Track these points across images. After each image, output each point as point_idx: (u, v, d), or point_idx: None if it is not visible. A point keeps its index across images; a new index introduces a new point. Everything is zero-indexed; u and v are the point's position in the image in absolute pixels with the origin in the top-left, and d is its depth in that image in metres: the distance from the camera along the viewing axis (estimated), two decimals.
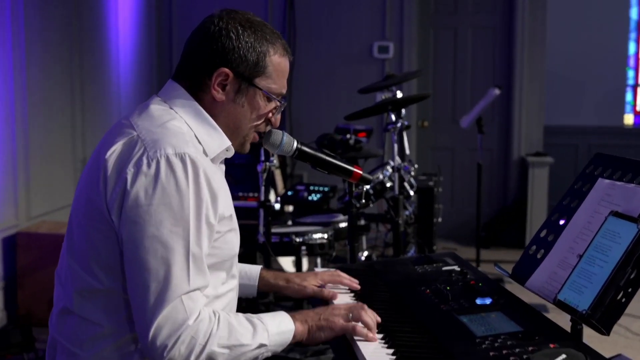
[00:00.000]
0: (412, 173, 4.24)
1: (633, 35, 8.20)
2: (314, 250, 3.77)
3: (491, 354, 1.65)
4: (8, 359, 4.10)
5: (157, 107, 1.87)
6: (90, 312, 1.79)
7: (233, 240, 1.93)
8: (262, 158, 3.61)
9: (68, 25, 5.52)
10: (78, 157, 5.65)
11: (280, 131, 2.09)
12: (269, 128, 2.03)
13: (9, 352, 4.10)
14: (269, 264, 3.72)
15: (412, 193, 4.17)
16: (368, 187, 3.90)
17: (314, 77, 7.34)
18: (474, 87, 7.46)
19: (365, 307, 1.90)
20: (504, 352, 1.66)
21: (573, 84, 8.05)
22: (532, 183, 7.03)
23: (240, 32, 1.87)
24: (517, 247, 6.95)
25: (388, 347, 1.78)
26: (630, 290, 1.69)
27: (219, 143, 1.89)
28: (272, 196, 3.86)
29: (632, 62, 8.26)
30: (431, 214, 4.86)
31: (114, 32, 6.25)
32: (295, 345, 1.86)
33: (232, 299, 1.99)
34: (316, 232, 3.81)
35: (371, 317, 1.86)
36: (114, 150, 1.77)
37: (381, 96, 4.51)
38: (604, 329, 1.68)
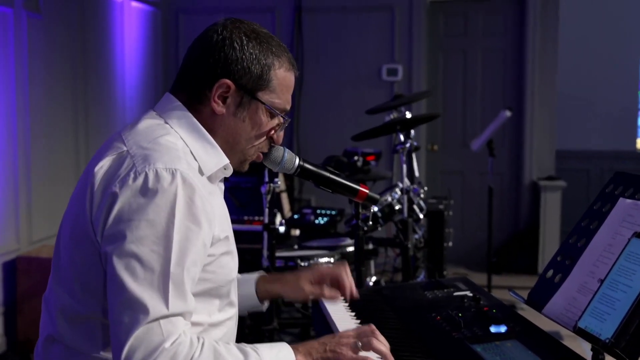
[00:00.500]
0: (422, 195, 4.14)
1: None
2: None
3: None
4: None
5: (150, 122, 1.77)
6: (75, 339, 1.68)
7: (229, 265, 1.80)
8: (266, 179, 3.51)
9: (72, 47, 5.47)
10: None
11: (282, 147, 1.96)
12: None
13: None
14: None
15: (421, 216, 4.06)
16: (376, 209, 3.78)
17: (322, 100, 7.27)
18: (484, 110, 7.37)
19: (375, 330, 1.74)
20: None
21: (584, 107, 7.96)
22: (544, 207, 6.93)
23: (245, 42, 1.76)
24: (530, 273, 6.85)
25: None
26: None
27: (216, 161, 1.78)
28: (277, 219, 3.74)
29: None
30: (441, 238, 4.73)
31: (120, 53, 6.19)
32: None
33: (231, 328, 1.87)
34: (322, 256, 3.70)
35: (384, 343, 1.71)
36: (102, 166, 1.67)
37: (389, 117, 4.42)
38: (629, 358, 1.56)
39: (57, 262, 1.74)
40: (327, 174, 2.10)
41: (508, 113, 5.91)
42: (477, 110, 7.44)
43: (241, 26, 1.79)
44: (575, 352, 1.73)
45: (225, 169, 1.81)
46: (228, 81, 1.75)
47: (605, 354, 1.64)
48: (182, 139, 1.74)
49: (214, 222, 1.69)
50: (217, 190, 1.84)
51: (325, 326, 2.08)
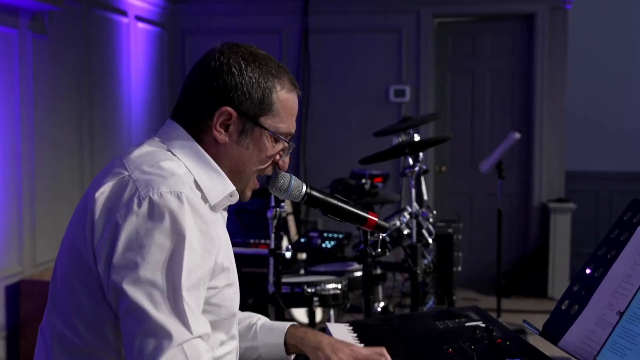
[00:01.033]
0: (431, 219, 4.07)
1: None
2: (326, 301, 3.57)
3: None
4: None
5: (152, 148, 1.71)
6: None
7: (232, 297, 1.75)
8: (273, 204, 3.45)
9: (78, 68, 5.44)
10: None
11: (288, 174, 1.90)
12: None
13: None
14: (281, 315, 3.54)
15: (430, 241, 3.99)
16: (384, 234, 3.71)
17: (329, 121, 7.23)
18: (492, 132, 7.32)
19: (386, 355, 1.72)
20: None
21: (593, 128, 7.89)
22: (554, 230, 6.86)
23: (244, 66, 1.71)
24: (539, 297, 6.78)
25: None
26: None
27: (222, 188, 1.72)
28: (284, 243, 3.68)
29: None
30: (450, 262, 4.65)
31: (126, 74, 6.16)
32: None
33: None
34: (329, 282, 3.62)
35: None
36: (103, 192, 1.61)
37: (397, 139, 4.36)
38: None
39: (54, 289, 1.69)
40: (336, 202, 2.03)
41: (517, 135, 5.87)
42: (486, 132, 7.39)
43: (238, 50, 1.74)
44: None
45: (231, 196, 1.75)
46: (229, 109, 1.70)
47: None
48: (185, 166, 1.68)
49: (219, 249, 1.65)
50: (220, 220, 1.78)
51: None
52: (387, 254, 4.02)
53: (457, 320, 2.21)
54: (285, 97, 1.76)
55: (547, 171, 7.17)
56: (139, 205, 1.54)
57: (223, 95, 1.69)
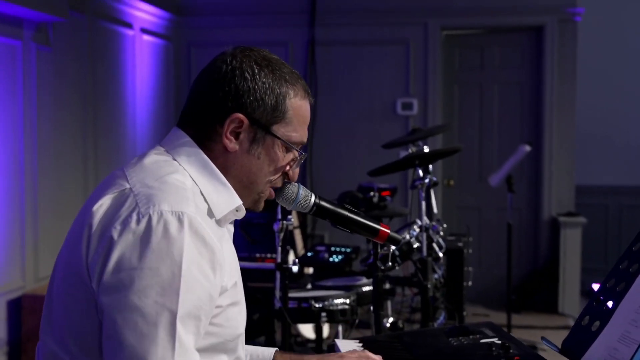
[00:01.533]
0: (441, 233, 3.99)
1: None
2: (334, 316, 3.48)
3: None
4: None
5: (157, 158, 1.62)
6: None
7: (237, 317, 1.64)
8: (279, 216, 3.37)
9: (82, 80, 5.39)
10: None
11: (296, 184, 1.81)
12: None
13: None
14: (288, 331, 3.45)
15: (441, 255, 3.90)
16: (393, 248, 3.63)
17: (335, 134, 7.16)
18: (501, 145, 7.24)
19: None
20: None
21: (602, 141, 7.82)
22: (564, 244, 6.77)
23: (257, 71, 1.62)
24: (550, 312, 6.69)
25: None
26: None
27: (229, 202, 1.62)
28: (291, 257, 3.60)
29: None
30: (461, 277, 4.57)
31: (131, 87, 6.11)
32: None
33: None
34: (337, 297, 3.53)
35: None
36: (101, 205, 1.52)
37: (405, 153, 4.29)
38: None
39: (49, 307, 1.58)
40: (346, 213, 1.94)
41: (528, 148, 5.81)
42: (494, 145, 7.32)
43: (251, 54, 1.66)
44: None
45: (237, 210, 1.66)
46: (241, 115, 1.61)
47: None
48: (191, 177, 1.59)
49: (223, 271, 1.54)
50: (226, 234, 1.68)
51: None
52: (397, 268, 3.94)
53: (471, 336, 2.12)
54: (299, 105, 1.68)
55: (556, 185, 7.08)
56: (137, 222, 1.45)
57: (235, 101, 1.61)
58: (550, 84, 7.02)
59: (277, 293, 3.46)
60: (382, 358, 1.93)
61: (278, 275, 3.47)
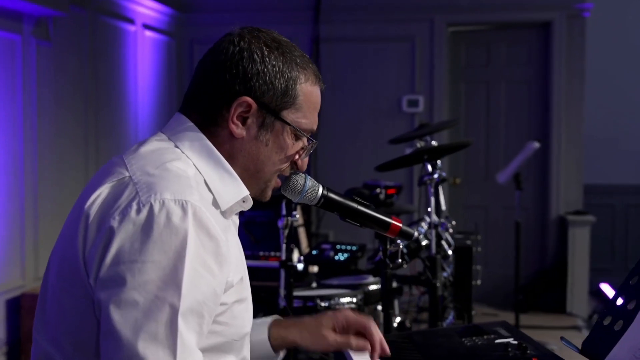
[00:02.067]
0: (450, 230, 3.89)
1: None
2: None
3: None
4: None
5: (158, 144, 1.52)
6: None
7: (243, 316, 1.55)
8: (284, 212, 3.28)
9: (83, 76, 5.31)
10: None
11: (303, 174, 1.71)
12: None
13: None
14: None
15: (450, 252, 3.81)
16: (402, 245, 3.53)
17: (341, 131, 7.07)
18: (508, 143, 7.15)
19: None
20: None
21: (609, 140, 7.72)
22: (572, 243, 6.68)
23: (267, 53, 1.53)
24: (558, 312, 6.59)
25: None
26: None
27: (235, 192, 1.53)
28: (295, 255, 3.51)
29: None
30: (469, 275, 4.47)
31: (133, 84, 6.03)
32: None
33: None
34: (344, 295, 3.44)
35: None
36: (100, 194, 1.42)
37: (411, 150, 4.20)
38: None
39: (43, 305, 1.48)
40: (355, 205, 1.84)
41: (536, 144, 5.74)
42: (501, 143, 7.23)
43: (260, 35, 1.56)
44: None
45: (244, 201, 1.57)
46: (249, 99, 1.51)
47: None
48: (194, 166, 1.50)
49: (229, 266, 1.45)
50: (232, 226, 1.59)
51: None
52: (405, 266, 3.84)
53: (485, 337, 2.03)
54: (310, 90, 1.59)
55: (564, 183, 6.99)
56: (138, 212, 1.35)
57: (242, 84, 1.51)
58: (558, 81, 6.92)
59: (282, 291, 3.38)
60: (392, 359, 1.84)
61: (283, 273, 3.39)
